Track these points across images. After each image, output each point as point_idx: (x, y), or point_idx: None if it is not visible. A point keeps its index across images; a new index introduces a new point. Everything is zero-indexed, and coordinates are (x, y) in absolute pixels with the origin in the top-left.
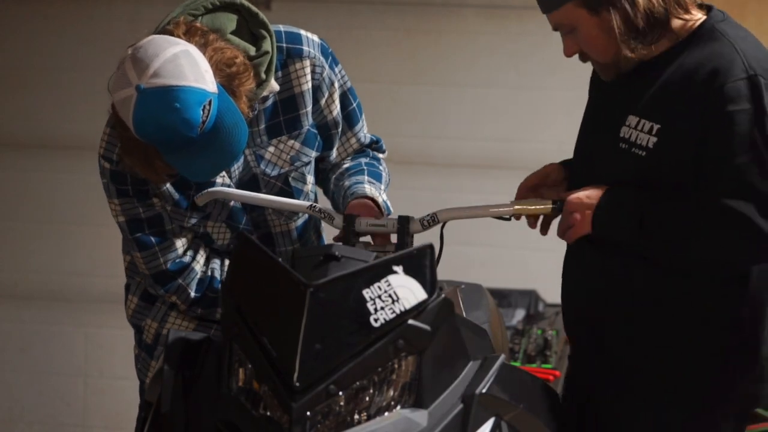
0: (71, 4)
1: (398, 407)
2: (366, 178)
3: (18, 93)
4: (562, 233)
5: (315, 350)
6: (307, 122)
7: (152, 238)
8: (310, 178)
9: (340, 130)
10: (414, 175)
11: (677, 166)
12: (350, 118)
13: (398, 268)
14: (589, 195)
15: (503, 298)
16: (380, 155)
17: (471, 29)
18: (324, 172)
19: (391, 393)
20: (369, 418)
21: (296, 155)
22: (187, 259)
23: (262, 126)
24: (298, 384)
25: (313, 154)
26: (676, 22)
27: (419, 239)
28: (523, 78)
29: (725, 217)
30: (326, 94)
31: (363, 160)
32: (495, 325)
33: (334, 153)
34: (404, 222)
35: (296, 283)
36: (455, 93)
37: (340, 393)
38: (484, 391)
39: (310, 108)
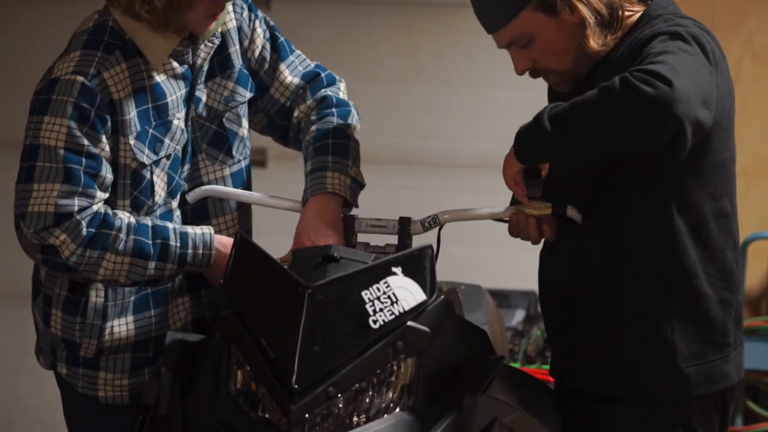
0: (71, 4)
1: (397, 409)
2: (330, 159)
3: (18, 93)
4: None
5: (314, 352)
6: (238, 62)
7: (81, 176)
8: (245, 122)
9: (268, 66)
10: (414, 175)
11: None
12: (279, 51)
13: (397, 270)
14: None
15: (503, 298)
16: (340, 94)
17: (471, 29)
18: (293, 133)
19: (391, 395)
20: (368, 420)
21: (230, 95)
22: (94, 208)
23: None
24: (296, 386)
25: (248, 94)
26: (595, 41)
27: (417, 239)
28: (523, 78)
29: (612, 89)
30: (249, 33)
31: (329, 127)
32: (495, 325)
33: (273, 91)
34: (405, 223)
35: (295, 284)
36: (455, 93)
37: (339, 395)
38: (483, 392)
39: (238, 47)
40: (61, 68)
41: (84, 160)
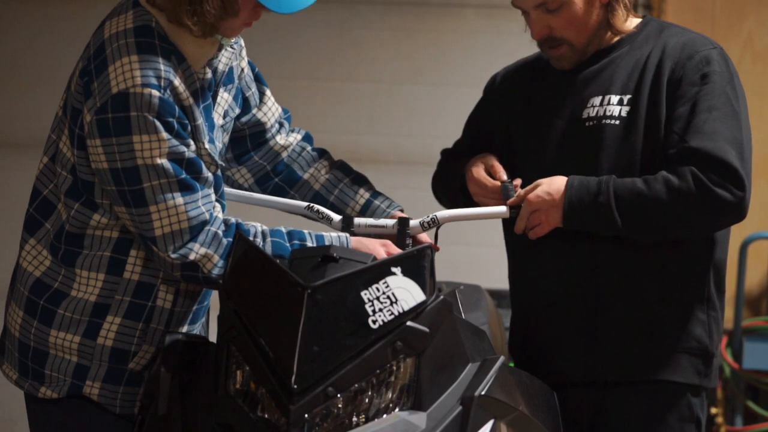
0: (71, 4)
1: (397, 409)
2: (372, 189)
3: (18, 93)
4: (521, 230)
5: (313, 352)
6: (236, 78)
7: (195, 183)
8: (227, 137)
9: (255, 89)
10: (414, 175)
11: (650, 131)
12: (260, 78)
13: (397, 270)
14: (549, 192)
15: (502, 298)
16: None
17: (471, 29)
18: (261, 155)
19: (390, 395)
20: (367, 420)
21: (228, 109)
22: (217, 207)
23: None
24: (295, 386)
25: (237, 110)
26: (620, 20)
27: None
28: None
29: (686, 184)
30: (239, 51)
31: (342, 162)
32: (494, 326)
33: (259, 114)
34: (404, 223)
35: (294, 284)
36: (455, 93)
37: (339, 395)
38: (483, 392)
39: (237, 61)
40: (123, 80)
41: (186, 167)
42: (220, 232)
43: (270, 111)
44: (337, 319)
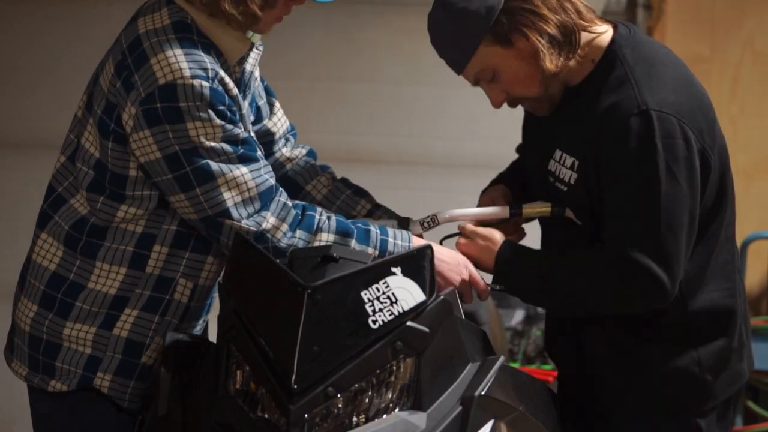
0: (71, 4)
1: (397, 409)
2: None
3: (18, 93)
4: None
5: (313, 352)
6: (252, 83)
7: (255, 154)
8: None
9: (265, 100)
10: (414, 175)
11: (592, 202)
12: (270, 92)
13: (397, 270)
14: (486, 235)
15: (503, 298)
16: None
17: None
18: (278, 170)
19: (390, 395)
20: (367, 420)
21: (245, 114)
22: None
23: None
24: (295, 386)
25: (252, 117)
26: (585, 37)
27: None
28: None
29: (626, 269)
30: (256, 57)
31: (347, 183)
32: (494, 326)
33: (270, 124)
34: (404, 224)
35: (294, 284)
36: (455, 93)
37: (339, 395)
38: (483, 392)
39: (253, 68)
40: (170, 71)
41: (242, 146)
42: (289, 203)
43: (279, 122)
44: (337, 319)
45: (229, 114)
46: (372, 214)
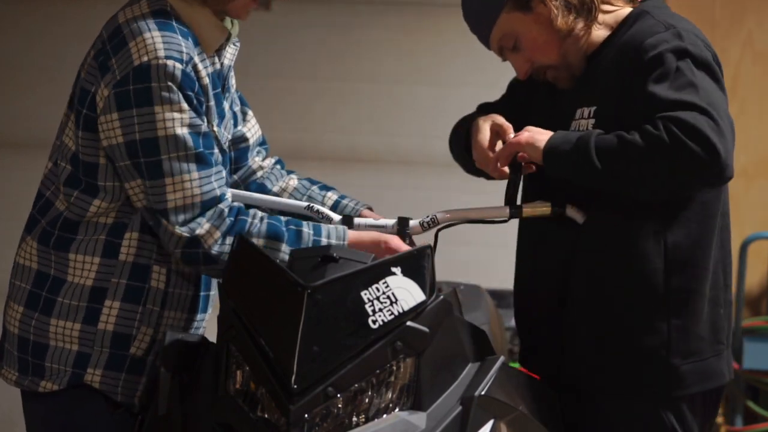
0: (71, 4)
1: (397, 409)
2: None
3: (18, 93)
4: (503, 165)
5: (313, 352)
6: (233, 87)
7: (210, 157)
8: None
9: (240, 106)
10: (414, 175)
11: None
12: (243, 101)
13: (397, 270)
14: (532, 133)
15: (502, 298)
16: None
17: None
18: (239, 174)
19: (390, 395)
20: (367, 420)
21: (212, 107)
22: (227, 189)
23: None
24: (295, 386)
25: (232, 120)
26: (605, 8)
27: (416, 239)
28: None
29: (660, 140)
30: (232, 65)
31: (313, 181)
32: (494, 326)
33: (245, 130)
34: (403, 223)
35: (294, 284)
36: (455, 93)
37: (338, 395)
38: (483, 392)
39: (232, 72)
40: (145, 53)
41: (204, 141)
42: (226, 210)
43: (253, 128)
44: (337, 319)
45: (195, 101)
46: (338, 204)
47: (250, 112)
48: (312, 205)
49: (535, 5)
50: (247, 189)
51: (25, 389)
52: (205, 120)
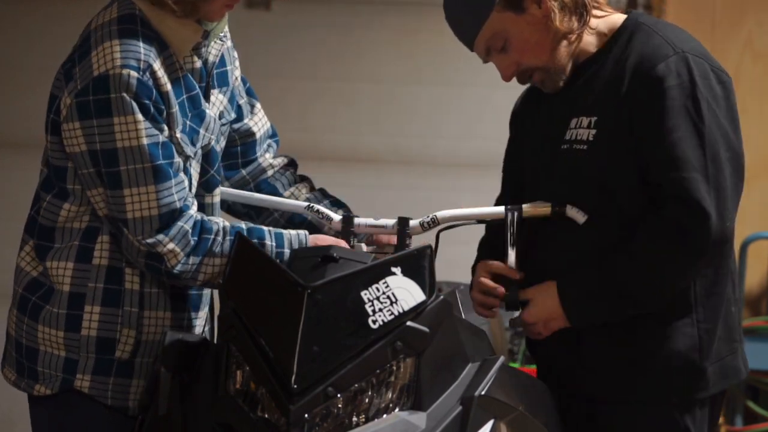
0: (71, 4)
1: (397, 409)
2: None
3: (18, 93)
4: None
5: (313, 352)
6: (231, 81)
7: (170, 170)
8: (223, 141)
9: (246, 99)
10: (414, 175)
11: (617, 156)
12: (251, 93)
13: (397, 270)
14: (544, 310)
15: None
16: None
17: None
18: (248, 171)
19: (390, 395)
20: (367, 420)
21: (224, 111)
22: (190, 199)
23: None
24: (295, 386)
25: (233, 114)
26: (597, 14)
27: (416, 239)
28: None
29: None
30: (234, 58)
31: (325, 193)
32: (494, 326)
33: (251, 124)
34: (403, 223)
35: (294, 284)
36: (455, 93)
37: (338, 395)
38: (483, 392)
39: (232, 66)
40: (104, 63)
41: (162, 152)
42: (189, 230)
43: (261, 122)
44: (337, 319)
45: (152, 109)
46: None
47: (258, 105)
48: (312, 205)
49: (528, 6)
50: (257, 187)
51: (22, 390)
52: (165, 129)
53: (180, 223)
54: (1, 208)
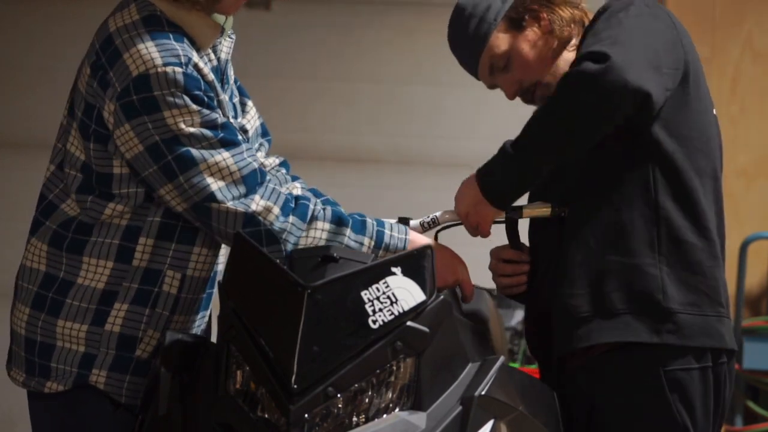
0: (71, 4)
1: (397, 409)
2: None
3: (18, 93)
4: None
5: (313, 352)
6: (231, 79)
7: (237, 137)
8: None
9: (239, 98)
10: (414, 175)
11: (610, 155)
12: (243, 91)
13: (397, 270)
14: (462, 198)
15: (503, 298)
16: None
17: None
18: None
19: (390, 395)
20: (367, 420)
21: (224, 100)
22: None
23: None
24: (295, 386)
25: (231, 112)
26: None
27: None
28: None
29: (567, 82)
30: (229, 58)
31: (317, 193)
32: (494, 326)
33: (244, 122)
34: (403, 223)
35: (294, 284)
36: (455, 93)
37: (339, 395)
38: (483, 392)
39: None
40: (142, 63)
41: (222, 131)
42: (279, 188)
43: (252, 119)
44: (337, 319)
45: (206, 99)
46: None
47: (249, 103)
48: None
49: (527, 23)
50: None
51: (31, 390)
52: (220, 113)
53: (266, 183)
54: (1, 208)
